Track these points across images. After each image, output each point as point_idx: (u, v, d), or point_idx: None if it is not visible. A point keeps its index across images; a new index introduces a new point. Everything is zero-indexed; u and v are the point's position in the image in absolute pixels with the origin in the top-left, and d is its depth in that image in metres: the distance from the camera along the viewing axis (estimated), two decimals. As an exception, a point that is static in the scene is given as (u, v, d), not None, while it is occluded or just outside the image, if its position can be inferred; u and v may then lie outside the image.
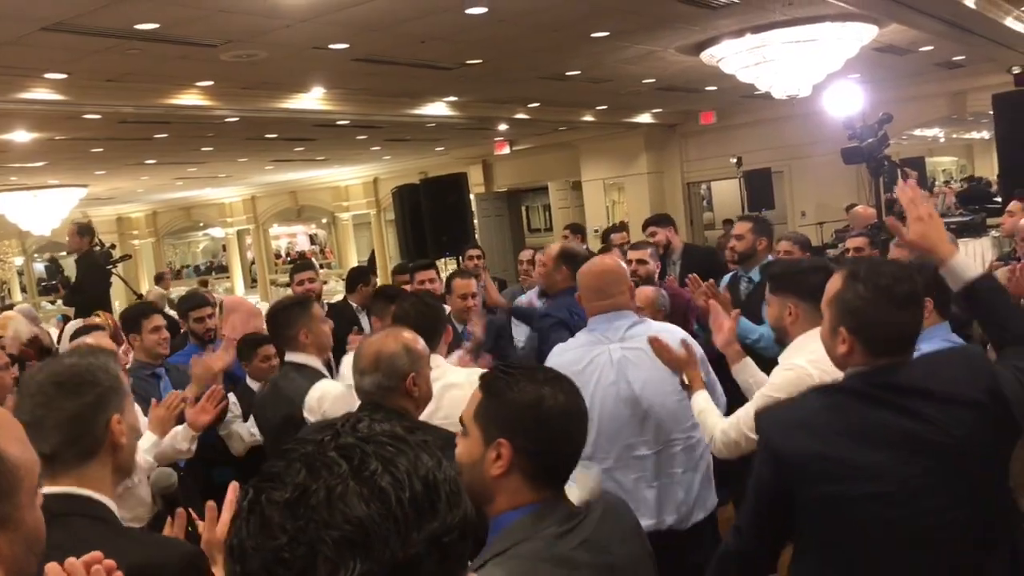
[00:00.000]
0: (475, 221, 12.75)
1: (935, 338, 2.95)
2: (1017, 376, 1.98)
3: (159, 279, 14.18)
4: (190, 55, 7.15)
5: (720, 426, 2.81)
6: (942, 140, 22.09)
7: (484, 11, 6.71)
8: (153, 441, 3.29)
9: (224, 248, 24.13)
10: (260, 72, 8.08)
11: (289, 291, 6.56)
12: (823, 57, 8.91)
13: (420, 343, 2.67)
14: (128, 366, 4.28)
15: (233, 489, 1.76)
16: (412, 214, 9.79)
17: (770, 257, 4.89)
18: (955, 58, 11.25)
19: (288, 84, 9.10)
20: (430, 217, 9.53)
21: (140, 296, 9.44)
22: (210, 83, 8.52)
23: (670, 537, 3.00)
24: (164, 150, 12.41)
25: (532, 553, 1.55)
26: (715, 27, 8.23)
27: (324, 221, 24.42)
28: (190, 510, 2.01)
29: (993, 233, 9.49)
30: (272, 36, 6.83)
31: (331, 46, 7.37)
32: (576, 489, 1.74)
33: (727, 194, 16.80)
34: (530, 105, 12.12)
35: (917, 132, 16.97)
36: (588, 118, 13.53)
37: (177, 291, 13.92)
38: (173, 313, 6.42)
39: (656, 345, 2.99)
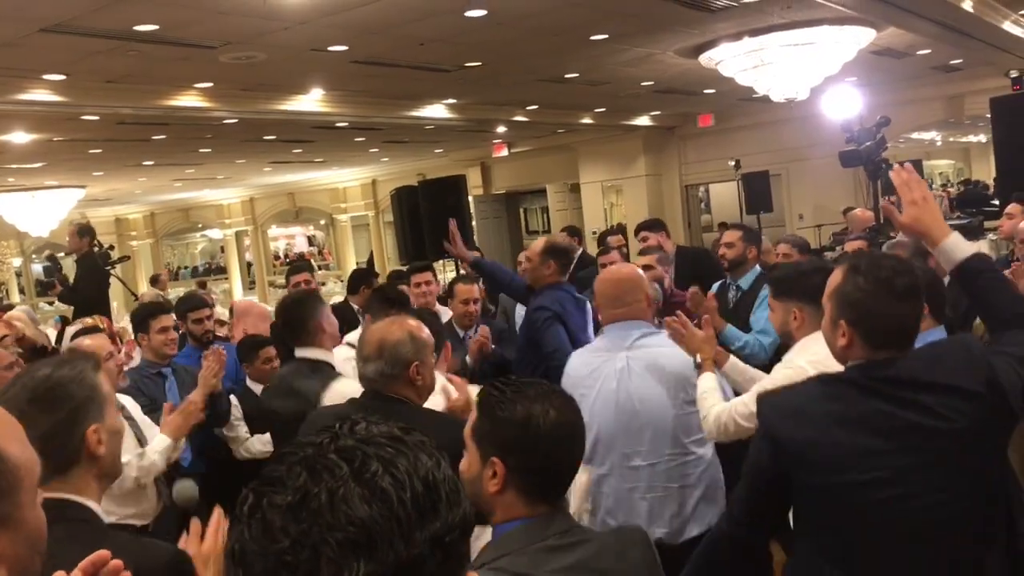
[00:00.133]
0: (473, 223, 12.74)
1: (930, 341, 2.95)
2: (1012, 365, 1.99)
3: (155, 281, 14.17)
4: (189, 57, 7.16)
5: (716, 409, 2.83)
6: (939, 143, 22.12)
7: (483, 14, 6.72)
8: (168, 444, 3.31)
9: (222, 249, 24.12)
10: (259, 74, 8.08)
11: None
12: (821, 60, 8.93)
13: (425, 332, 2.62)
14: (135, 365, 4.32)
15: (217, 513, 1.75)
16: (410, 216, 9.78)
17: (758, 268, 4.88)
18: (952, 62, 11.27)
19: (287, 86, 9.10)
20: (428, 219, 9.52)
21: (137, 297, 9.45)
22: (209, 85, 8.53)
23: (660, 550, 2.97)
24: (162, 151, 12.40)
25: (515, 567, 1.55)
26: (713, 30, 8.25)
27: (322, 223, 24.42)
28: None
29: (991, 236, 9.50)
30: (271, 38, 6.83)
31: (330, 48, 7.38)
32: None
33: (725, 197, 16.80)
34: (529, 107, 12.13)
35: (914, 135, 17.00)
36: (586, 120, 13.54)
37: (175, 292, 13.90)
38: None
39: (671, 327, 2.99)
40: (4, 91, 7.46)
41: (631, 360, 3.12)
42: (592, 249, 11.97)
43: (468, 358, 4.48)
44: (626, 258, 5.72)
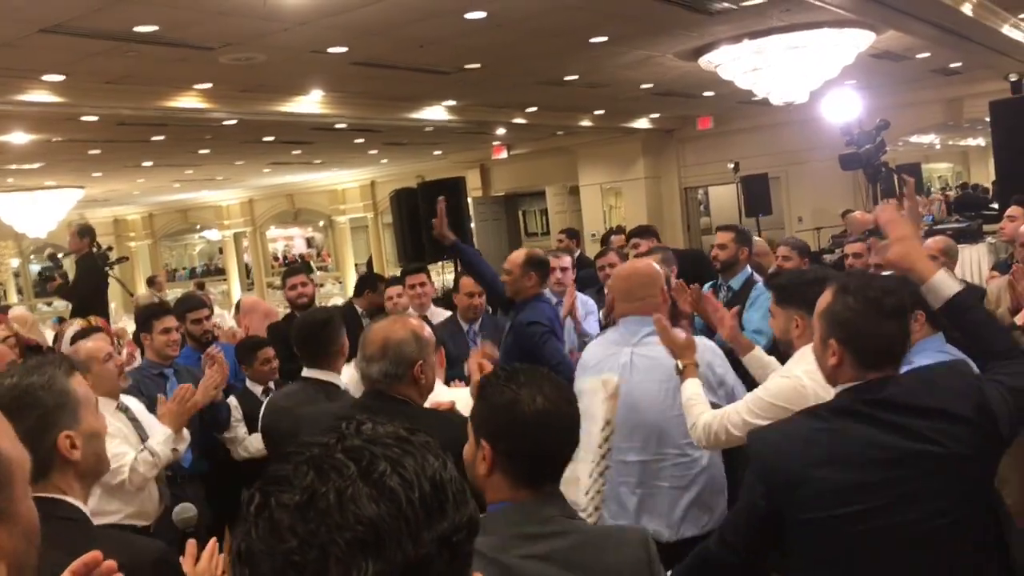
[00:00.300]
0: (472, 225, 12.75)
1: (928, 350, 2.95)
2: (1003, 393, 2.02)
3: (151, 282, 14.18)
4: (189, 57, 7.16)
5: (705, 417, 2.81)
6: (938, 147, 22.14)
7: (483, 16, 6.73)
8: (168, 434, 3.33)
9: (221, 251, 24.11)
10: (258, 75, 8.08)
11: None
12: (820, 63, 8.94)
13: (427, 330, 2.61)
14: (136, 365, 4.34)
15: (214, 540, 1.75)
16: (410, 218, 9.79)
17: (749, 269, 4.88)
18: (952, 65, 11.29)
19: (286, 87, 9.10)
20: (428, 221, 9.51)
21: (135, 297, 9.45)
22: (208, 86, 8.52)
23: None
24: (161, 152, 12.40)
25: (483, 547, 1.56)
26: (713, 33, 8.25)
27: (321, 224, 24.43)
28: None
29: (989, 240, 9.52)
30: (271, 39, 6.83)
31: (330, 50, 7.37)
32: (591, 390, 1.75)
33: (724, 199, 16.82)
34: (528, 110, 12.14)
35: (913, 138, 17.02)
36: (586, 123, 13.55)
37: (172, 294, 13.89)
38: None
39: (658, 325, 3.00)
40: (3, 91, 7.45)
41: (635, 356, 3.13)
42: (591, 251, 11.97)
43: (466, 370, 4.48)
44: (624, 259, 5.70)
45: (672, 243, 14.08)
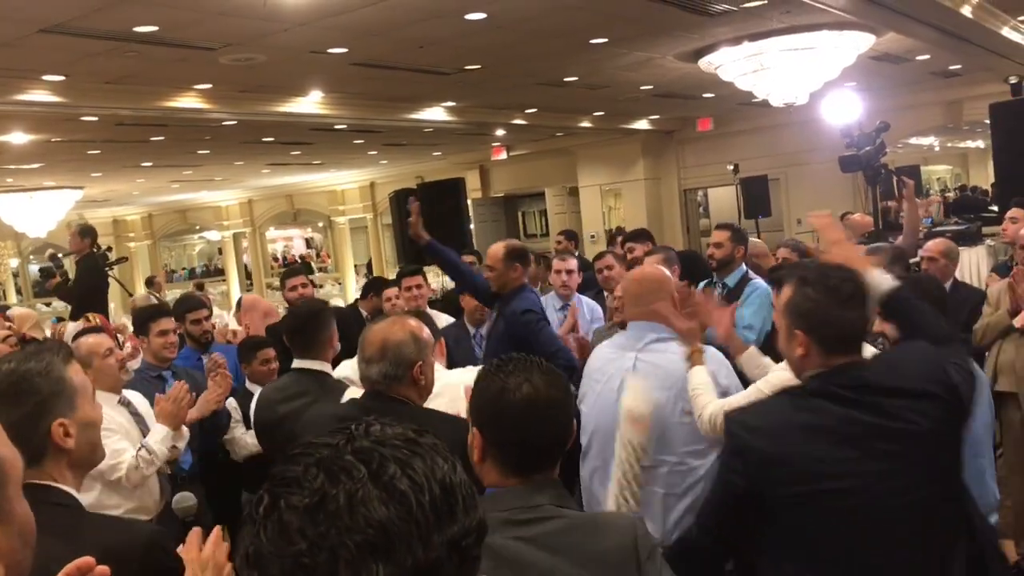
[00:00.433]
0: (471, 226, 12.75)
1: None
2: (961, 372, 2.12)
3: (150, 283, 14.18)
4: (188, 58, 7.15)
5: (710, 408, 2.85)
6: (937, 149, 22.14)
7: (483, 17, 6.73)
8: (165, 432, 3.34)
9: (220, 251, 24.10)
10: (258, 75, 8.08)
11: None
12: (820, 65, 8.94)
13: (425, 331, 2.61)
14: (138, 362, 4.33)
15: (218, 528, 1.73)
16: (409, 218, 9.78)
17: (744, 267, 4.89)
18: (951, 67, 11.29)
19: (286, 88, 9.10)
20: (427, 221, 9.51)
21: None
22: (208, 86, 8.52)
23: None
24: (161, 153, 12.39)
25: None
26: (713, 34, 8.26)
27: (320, 225, 24.43)
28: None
29: (988, 242, 9.52)
30: (271, 40, 6.83)
31: (330, 50, 7.37)
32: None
33: (724, 201, 16.81)
34: (528, 111, 12.14)
35: (912, 140, 17.02)
36: (585, 124, 13.55)
37: (172, 295, 13.89)
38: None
39: (661, 314, 3.01)
40: (3, 91, 7.45)
41: (639, 362, 3.12)
42: (591, 252, 11.97)
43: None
44: (624, 261, 5.70)
45: (671, 245, 14.11)
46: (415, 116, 11.04)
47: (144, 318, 4.38)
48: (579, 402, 3.22)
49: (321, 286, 19.71)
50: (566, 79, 9.81)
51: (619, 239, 7.69)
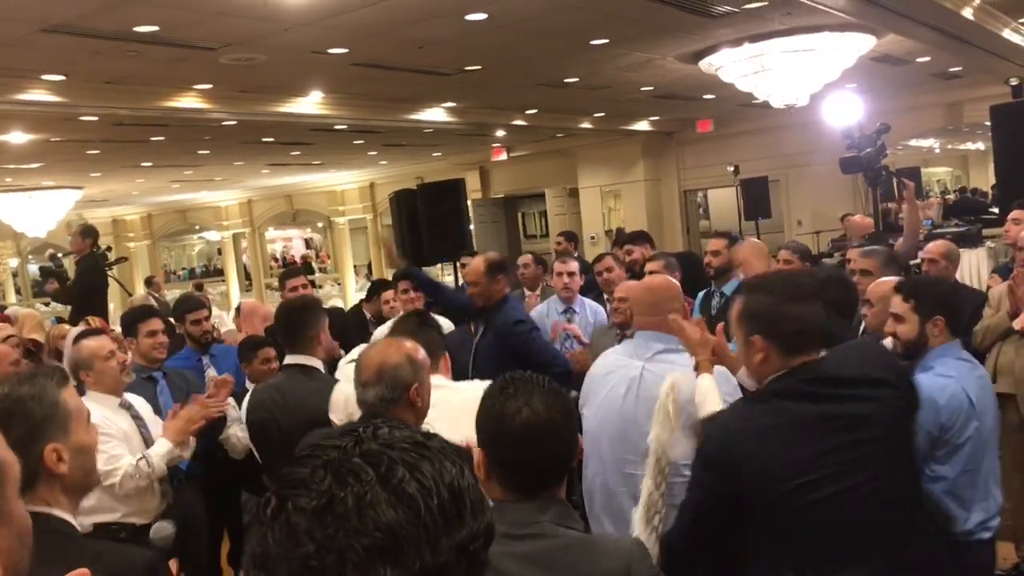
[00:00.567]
0: (471, 227, 12.74)
1: (947, 356, 2.97)
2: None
3: (148, 283, 14.18)
4: (189, 58, 7.15)
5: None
6: (937, 151, 22.15)
7: (484, 17, 6.72)
8: (168, 448, 3.33)
9: (219, 251, 24.09)
10: (258, 76, 8.07)
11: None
12: (821, 67, 8.94)
13: (421, 353, 2.64)
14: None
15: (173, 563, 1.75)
16: (409, 219, 9.78)
17: (741, 275, 4.87)
18: (952, 69, 11.30)
19: (286, 88, 9.10)
20: (427, 222, 9.52)
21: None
22: (208, 86, 8.51)
23: None
24: (161, 153, 12.39)
25: None
26: (714, 36, 8.25)
27: (320, 225, 24.41)
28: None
29: (989, 244, 9.51)
30: (271, 40, 6.82)
31: (330, 50, 7.37)
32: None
33: (724, 202, 16.82)
34: (528, 112, 12.13)
35: (913, 142, 17.02)
36: (586, 125, 13.55)
37: (172, 295, 13.88)
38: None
39: (675, 325, 3.01)
40: (3, 91, 7.44)
41: (646, 372, 3.10)
42: (591, 253, 11.95)
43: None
44: (622, 262, 5.69)
45: (671, 246, 14.13)
46: (415, 117, 11.04)
47: (132, 319, 4.35)
48: (581, 407, 3.22)
49: (321, 287, 19.70)
50: (566, 80, 9.81)
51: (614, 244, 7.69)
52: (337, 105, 9.97)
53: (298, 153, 14.38)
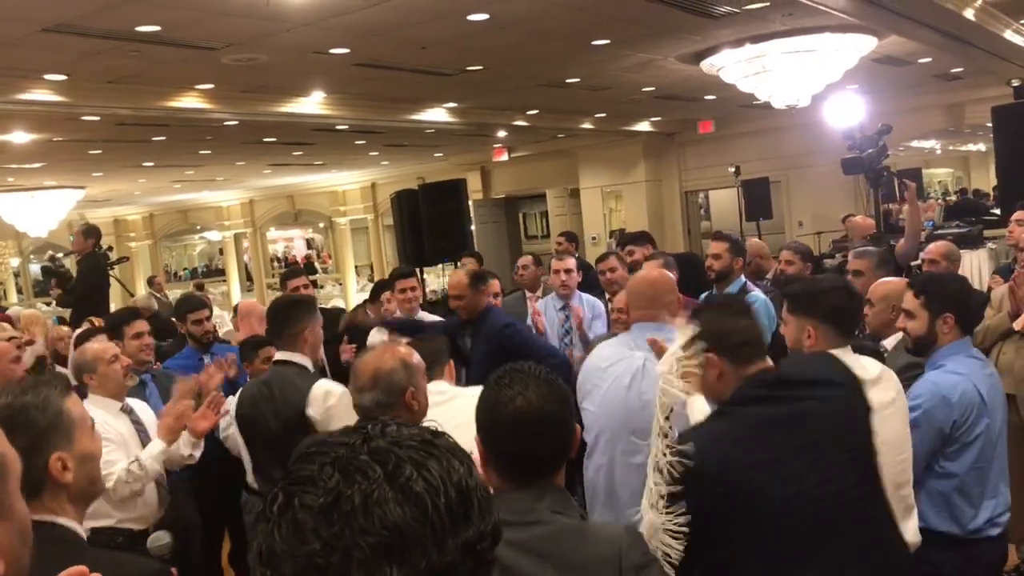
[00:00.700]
0: (472, 228, 12.74)
1: (959, 353, 2.98)
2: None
3: (150, 283, 14.19)
4: (190, 58, 7.15)
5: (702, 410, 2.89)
6: (938, 152, 22.14)
7: (485, 18, 6.73)
8: (161, 448, 3.31)
9: (221, 251, 24.09)
10: (260, 76, 8.08)
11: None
12: (822, 68, 8.94)
13: (416, 357, 2.69)
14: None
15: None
16: (410, 219, 9.78)
17: (743, 278, 4.85)
18: (953, 70, 11.29)
19: (288, 88, 9.10)
20: (428, 222, 9.53)
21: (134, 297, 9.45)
22: (210, 86, 8.52)
23: None
24: (162, 153, 12.39)
25: None
26: (715, 36, 8.25)
27: (321, 226, 24.41)
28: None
29: (990, 245, 9.51)
30: (273, 40, 6.83)
31: (332, 51, 7.37)
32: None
33: (725, 203, 16.82)
34: (529, 112, 12.13)
35: (914, 143, 17.01)
36: (587, 126, 13.54)
37: (173, 295, 13.88)
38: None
39: (655, 347, 3.02)
40: (5, 91, 7.45)
41: (648, 362, 3.12)
42: (591, 254, 11.95)
43: None
44: (623, 259, 5.70)
45: (672, 247, 14.12)
46: (417, 117, 11.04)
47: (117, 321, 4.30)
48: (580, 400, 3.23)
49: (322, 287, 19.71)
50: (568, 80, 9.81)
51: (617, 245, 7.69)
52: (339, 105, 9.97)
53: (300, 153, 14.38)
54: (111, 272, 8.04)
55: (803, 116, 11.14)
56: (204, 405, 3.47)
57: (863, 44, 8.68)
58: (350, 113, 10.30)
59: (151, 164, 13.78)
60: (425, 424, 1.00)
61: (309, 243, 26.65)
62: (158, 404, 3.93)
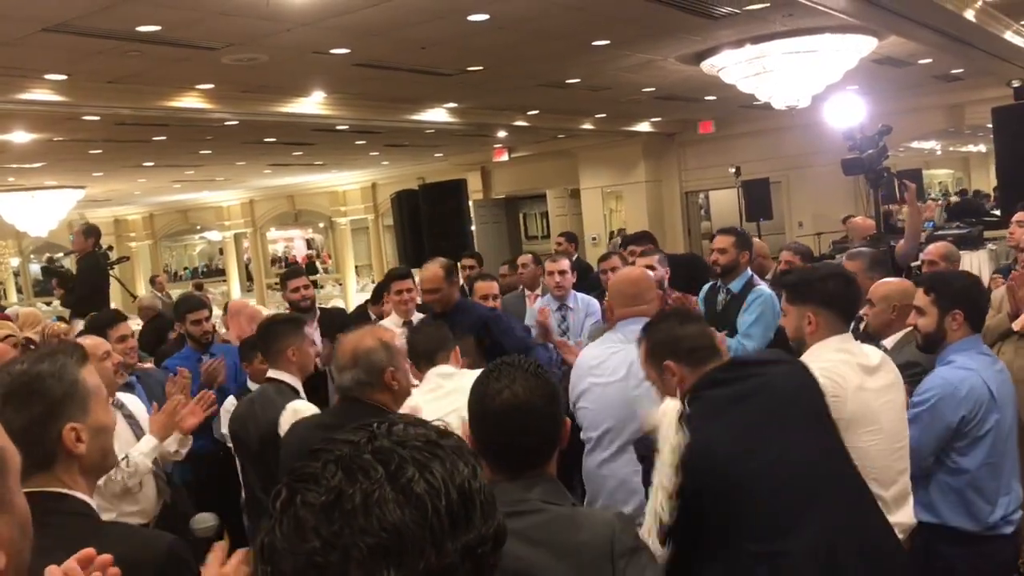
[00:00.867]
0: (473, 228, 12.75)
1: (968, 350, 3.00)
2: None
3: (152, 282, 14.19)
4: (191, 58, 7.15)
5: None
6: (938, 152, 22.15)
7: (485, 18, 6.73)
8: (153, 444, 3.32)
9: (221, 251, 24.09)
10: (260, 76, 8.08)
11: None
12: (822, 68, 8.94)
13: (398, 340, 2.78)
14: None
15: (240, 554, 1.70)
16: (411, 219, 9.80)
17: (749, 271, 4.84)
18: (953, 71, 11.30)
19: (288, 88, 9.10)
20: (428, 223, 9.54)
21: (135, 298, 9.45)
22: (210, 86, 8.52)
23: None
24: (163, 152, 12.40)
25: None
26: (715, 37, 8.25)
27: (321, 226, 24.41)
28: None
29: (990, 246, 9.51)
30: (273, 40, 6.83)
31: (332, 51, 7.37)
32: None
33: (725, 203, 16.82)
34: (529, 112, 12.13)
35: (914, 144, 17.02)
36: (587, 126, 13.55)
37: (174, 295, 13.87)
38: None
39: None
40: (5, 90, 7.45)
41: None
42: (592, 254, 11.96)
43: None
44: (625, 259, 5.70)
45: (672, 248, 14.12)
46: (417, 117, 11.04)
47: (101, 324, 4.25)
48: (574, 402, 3.25)
49: (322, 287, 19.71)
50: (568, 81, 9.81)
51: (617, 245, 7.71)
52: (339, 105, 9.97)
53: (300, 153, 14.38)
54: (111, 272, 8.04)
55: (803, 117, 11.14)
56: (193, 402, 3.46)
57: (863, 45, 8.68)
58: (350, 113, 10.31)
59: (151, 164, 13.79)
60: (434, 423, 1.00)
61: (309, 243, 26.67)
62: (147, 405, 3.92)
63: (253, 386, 4.38)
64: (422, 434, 0.95)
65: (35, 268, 22.82)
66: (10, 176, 13.13)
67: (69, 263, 8.24)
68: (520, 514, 1.68)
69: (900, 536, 2.58)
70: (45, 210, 13.98)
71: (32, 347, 4.74)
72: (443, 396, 2.88)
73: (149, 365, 4.76)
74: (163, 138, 10.95)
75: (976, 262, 8.95)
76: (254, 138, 11.74)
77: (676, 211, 16.07)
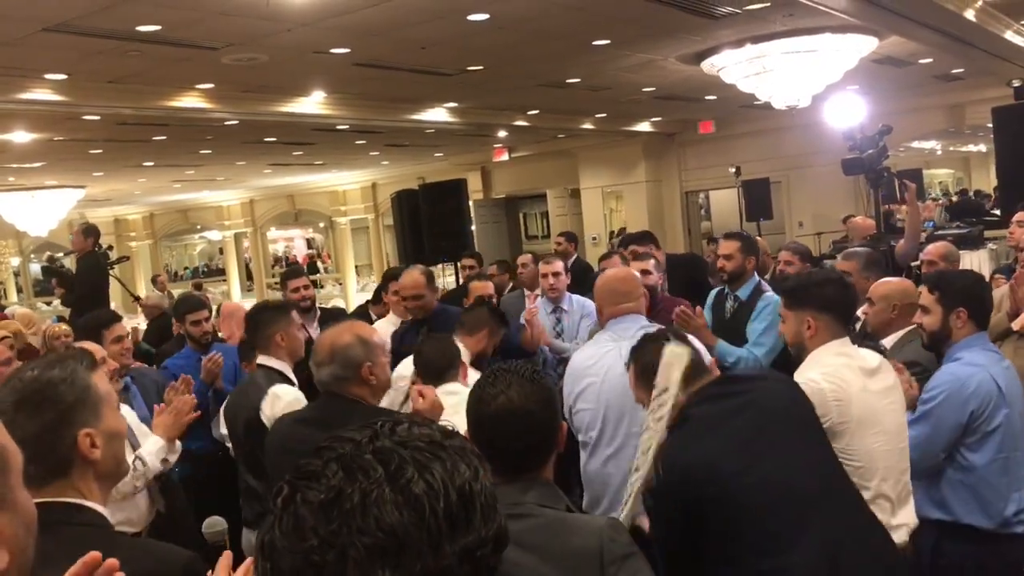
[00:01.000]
0: (473, 228, 12.75)
1: (974, 347, 3.01)
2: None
3: (154, 282, 14.19)
4: (191, 57, 7.15)
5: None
6: (939, 152, 22.14)
7: (486, 18, 6.73)
8: (161, 445, 3.29)
9: (221, 251, 24.09)
10: (260, 75, 8.08)
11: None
12: (822, 68, 8.94)
13: (376, 335, 2.80)
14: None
15: (248, 563, 1.70)
16: (411, 219, 9.79)
17: (756, 277, 4.74)
18: (954, 71, 11.29)
19: (288, 88, 9.10)
20: (429, 223, 9.53)
21: (137, 298, 9.45)
22: (210, 86, 8.52)
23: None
24: (163, 152, 12.40)
25: None
26: (716, 37, 8.25)
27: (322, 225, 24.41)
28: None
29: (991, 246, 9.51)
30: (273, 40, 6.83)
31: (332, 50, 7.37)
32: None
33: (725, 203, 16.81)
34: (529, 112, 12.13)
35: (914, 144, 17.01)
36: (587, 126, 13.55)
37: (175, 294, 13.87)
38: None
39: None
40: (5, 90, 7.45)
41: None
42: (592, 254, 11.95)
43: None
44: (626, 259, 5.69)
45: (673, 248, 14.12)
46: (417, 117, 11.04)
47: (96, 324, 4.23)
48: (572, 404, 3.26)
49: (322, 286, 19.71)
50: (568, 80, 9.81)
51: (616, 245, 7.70)
52: (339, 105, 9.97)
53: (300, 153, 14.38)
54: (111, 272, 8.04)
55: (803, 116, 11.14)
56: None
57: (863, 45, 8.68)
58: (350, 113, 10.31)
59: (151, 164, 13.79)
60: (442, 423, 1.00)
61: (309, 243, 26.67)
62: (141, 406, 3.90)
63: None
64: (426, 434, 0.94)
65: (35, 268, 22.80)
66: (10, 176, 13.13)
67: (69, 263, 8.22)
68: (514, 518, 1.68)
69: (904, 535, 2.59)
70: (45, 210, 13.98)
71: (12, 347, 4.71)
72: (452, 414, 2.88)
73: (139, 364, 4.76)
74: (163, 138, 10.96)
75: (976, 262, 8.95)
76: (254, 138, 11.74)
77: (676, 211, 16.07)
